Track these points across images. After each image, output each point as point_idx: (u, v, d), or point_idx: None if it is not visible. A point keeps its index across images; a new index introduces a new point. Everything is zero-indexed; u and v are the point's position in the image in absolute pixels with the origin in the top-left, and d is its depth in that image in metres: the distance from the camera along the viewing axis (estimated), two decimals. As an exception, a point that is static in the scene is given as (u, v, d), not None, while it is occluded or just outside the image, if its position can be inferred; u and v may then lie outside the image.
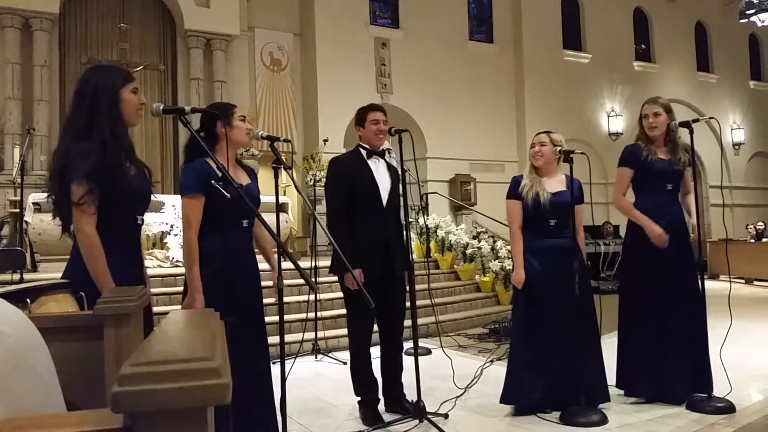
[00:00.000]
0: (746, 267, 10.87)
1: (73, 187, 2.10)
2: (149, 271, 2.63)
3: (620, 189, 3.75)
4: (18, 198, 6.42)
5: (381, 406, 3.51)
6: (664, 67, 15.85)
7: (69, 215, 2.17)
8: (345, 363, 4.63)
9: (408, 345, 3.87)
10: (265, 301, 2.84)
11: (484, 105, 13.09)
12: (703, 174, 15.64)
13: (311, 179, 9.00)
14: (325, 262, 4.96)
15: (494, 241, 8.53)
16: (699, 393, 3.47)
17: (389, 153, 4.06)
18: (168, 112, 2.29)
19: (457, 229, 8.41)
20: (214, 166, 2.48)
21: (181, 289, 2.68)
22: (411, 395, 3.43)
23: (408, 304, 3.54)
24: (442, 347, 5.01)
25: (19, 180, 6.12)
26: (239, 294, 2.56)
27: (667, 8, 16.03)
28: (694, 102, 15.93)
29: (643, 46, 15.90)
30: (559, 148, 3.53)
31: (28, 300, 1.68)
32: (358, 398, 3.52)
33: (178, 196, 3.00)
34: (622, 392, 3.69)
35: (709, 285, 3.89)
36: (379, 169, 3.51)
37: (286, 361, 2.54)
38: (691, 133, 3.48)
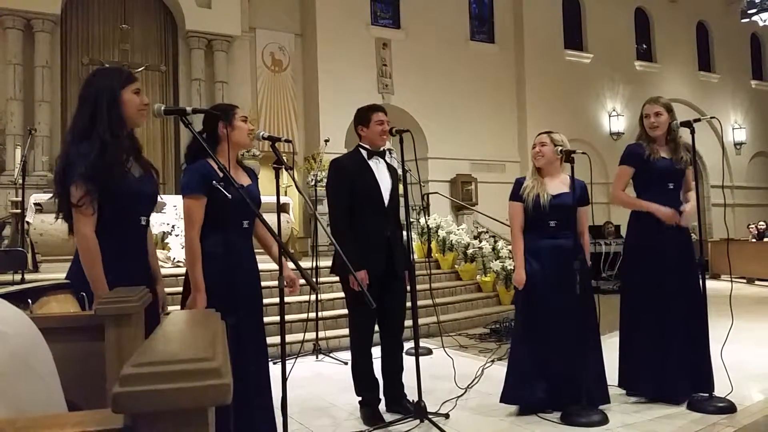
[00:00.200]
0: (747, 267, 10.86)
1: (71, 189, 2.12)
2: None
3: (619, 186, 3.75)
4: (19, 199, 6.43)
5: (382, 406, 3.51)
6: (665, 66, 15.83)
7: (72, 216, 2.19)
8: (346, 363, 4.64)
9: (409, 345, 3.87)
10: (267, 301, 2.85)
11: (485, 105, 13.09)
12: (705, 174, 15.63)
13: (312, 179, 9.00)
14: (326, 263, 4.97)
15: (495, 241, 8.53)
16: (700, 393, 3.47)
17: (390, 153, 4.06)
18: (169, 113, 2.30)
19: (458, 229, 8.41)
20: (215, 166, 2.48)
21: (181, 289, 2.69)
22: (412, 395, 3.43)
23: (409, 304, 3.54)
24: (443, 347, 5.01)
25: (20, 181, 6.14)
26: (239, 294, 2.56)
27: (668, 8, 16.02)
28: (695, 102, 15.91)
29: (644, 46, 15.88)
30: (560, 148, 3.52)
31: (29, 300, 1.68)
32: (359, 398, 3.52)
33: (179, 197, 3.00)
34: (624, 392, 3.69)
35: (711, 285, 3.89)
36: (379, 169, 3.51)
37: (287, 361, 2.54)
38: (693, 132, 3.48)
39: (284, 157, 2.75)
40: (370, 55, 11.91)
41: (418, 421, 3.29)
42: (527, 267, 3.47)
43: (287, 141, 3.63)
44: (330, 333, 5.61)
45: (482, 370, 4.43)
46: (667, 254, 3.56)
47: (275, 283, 2.75)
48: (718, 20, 17.01)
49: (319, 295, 5.61)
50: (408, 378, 3.54)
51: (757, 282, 11.06)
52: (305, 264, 5.85)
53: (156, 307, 2.36)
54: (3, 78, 8.97)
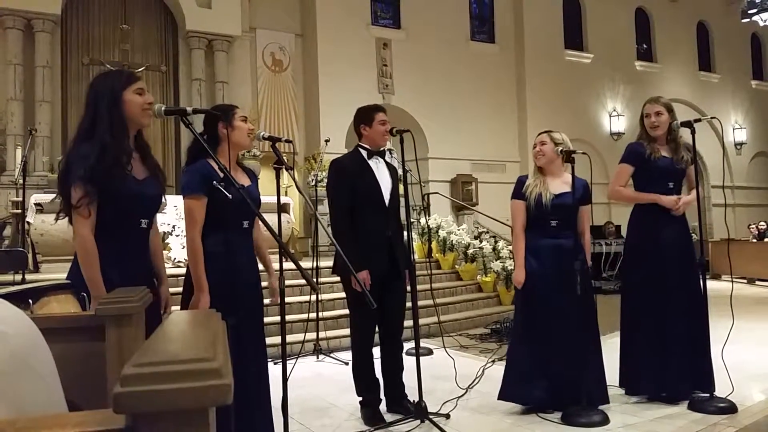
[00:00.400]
0: (748, 267, 10.85)
1: (71, 191, 2.13)
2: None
3: (618, 182, 3.75)
4: (20, 199, 6.43)
5: (382, 407, 3.51)
6: (665, 66, 15.83)
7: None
8: (346, 363, 4.64)
9: (409, 345, 3.87)
10: (266, 301, 2.84)
11: (485, 105, 13.09)
12: (705, 174, 15.62)
13: (313, 180, 9.00)
14: (326, 263, 4.97)
15: (496, 242, 8.53)
16: (701, 393, 3.47)
17: (391, 153, 4.06)
18: (170, 113, 2.29)
19: (458, 230, 8.42)
20: (215, 166, 2.48)
21: (181, 289, 2.69)
22: (412, 395, 3.43)
23: (409, 304, 3.54)
24: (444, 347, 5.01)
25: (21, 181, 6.14)
26: (240, 294, 2.56)
27: (668, 8, 16.02)
28: (695, 102, 15.91)
29: (644, 46, 15.88)
30: (560, 148, 3.52)
31: (30, 301, 1.68)
32: (360, 398, 3.52)
33: (180, 197, 3.00)
34: (624, 392, 3.69)
35: (711, 285, 3.88)
36: (379, 169, 3.51)
37: (287, 362, 2.54)
38: (693, 132, 3.48)
39: (285, 157, 2.75)
40: (370, 55, 11.91)
41: (418, 421, 3.29)
42: (527, 266, 3.47)
43: (288, 141, 3.63)
44: (330, 333, 5.61)
45: (483, 371, 4.43)
46: (668, 254, 3.56)
47: (266, 284, 2.75)
48: (718, 20, 17.01)
49: (319, 296, 5.61)
50: (409, 378, 3.54)
51: (757, 282, 11.06)
52: (306, 264, 5.85)
53: (157, 307, 2.36)
54: (3, 78, 8.97)
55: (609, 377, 3.50)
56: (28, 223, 6.19)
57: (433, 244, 8.22)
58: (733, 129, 17.03)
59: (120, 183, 2.18)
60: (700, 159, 12.82)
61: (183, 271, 2.73)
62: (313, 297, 5.40)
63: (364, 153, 3.52)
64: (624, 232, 4.69)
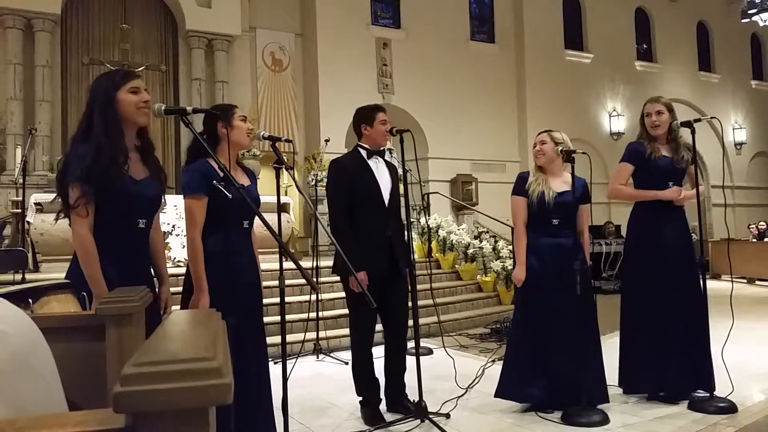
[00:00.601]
0: (748, 267, 10.86)
1: (69, 191, 2.13)
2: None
3: (618, 181, 3.75)
4: (20, 198, 6.43)
5: (383, 406, 3.51)
6: (665, 66, 15.83)
7: None
8: (346, 363, 4.63)
9: (409, 345, 3.87)
10: (267, 301, 2.85)
11: (485, 105, 13.09)
12: (705, 174, 15.61)
13: (312, 179, 9.00)
14: (326, 262, 4.97)
15: (496, 241, 8.53)
16: (701, 392, 3.47)
17: (391, 153, 4.06)
18: (169, 113, 2.29)
19: (458, 229, 8.42)
20: (215, 166, 2.48)
21: (181, 289, 2.69)
22: (412, 395, 3.43)
23: (409, 303, 3.54)
24: (444, 347, 5.01)
25: (21, 180, 6.14)
26: (240, 294, 2.56)
27: (668, 8, 16.01)
28: (695, 102, 15.91)
29: (644, 46, 15.88)
30: (560, 148, 3.51)
31: (30, 300, 1.68)
32: (360, 398, 3.52)
33: (180, 197, 3.00)
34: (623, 391, 3.69)
35: (711, 285, 3.88)
36: (379, 169, 3.51)
37: (287, 361, 2.54)
38: (693, 132, 3.48)
39: (284, 157, 2.75)
40: (370, 54, 11.91)
41: (418, 421, 3.29)
42: (527, 264, 3.46)
43: (287, 141, 3.63)
44: (330, 333, 5.61)
45: (483, 370, 4.43)
46: (668, 254, 3.56)
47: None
48: (718, 20, 17.00)
49: (319, 295, 5.61)
50: (409, 378, 3.54)
51: (757, 282, 11.06)
52: (306, 264, 5.85)
53: (157, 307, 2.36)
54: (3, 78, 8.97)
55: (609, 377, 3.50)
56: (28, 222, 6.19)
57: (433, 244, 8.22)
58: (733, 129, 17.04)
59: (117, 182, 2.18)
60: (700, 159, 12.80)
61: (183, 270, 2.72)
62: (313, 296, 5.40)
63: (363, 153, 3.52)
64: (624, 231, 4.69)
